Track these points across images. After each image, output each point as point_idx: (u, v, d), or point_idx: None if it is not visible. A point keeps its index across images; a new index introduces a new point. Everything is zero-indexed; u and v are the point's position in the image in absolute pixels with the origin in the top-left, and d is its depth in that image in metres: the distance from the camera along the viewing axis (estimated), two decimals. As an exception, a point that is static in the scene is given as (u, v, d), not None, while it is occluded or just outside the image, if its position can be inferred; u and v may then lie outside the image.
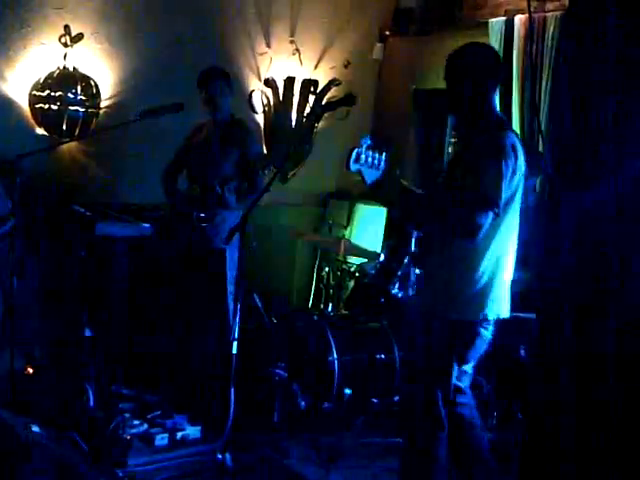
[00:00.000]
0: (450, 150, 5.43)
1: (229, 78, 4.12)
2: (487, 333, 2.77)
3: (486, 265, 2.69)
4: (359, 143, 2.65)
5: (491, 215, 2.59)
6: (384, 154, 2.67)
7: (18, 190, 3.50)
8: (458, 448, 2.84)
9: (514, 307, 3.57)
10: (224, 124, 4.10)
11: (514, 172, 2.64)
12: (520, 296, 3.59)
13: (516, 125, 4.49)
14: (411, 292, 4.20)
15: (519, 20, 4.52)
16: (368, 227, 5.42)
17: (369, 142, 2.66)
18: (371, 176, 2.67)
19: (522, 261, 3.56)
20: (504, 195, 2.61)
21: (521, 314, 3.60)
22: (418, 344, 2.86)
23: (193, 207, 3.97)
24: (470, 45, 2.81)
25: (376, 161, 2.65)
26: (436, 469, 2.79)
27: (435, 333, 2.74)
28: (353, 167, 2.66)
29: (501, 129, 2.74)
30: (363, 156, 2.64)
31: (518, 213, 2.77)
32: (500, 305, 2.77)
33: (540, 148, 4.32)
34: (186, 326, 4.04)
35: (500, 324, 2.92)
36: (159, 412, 3.59)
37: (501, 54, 4.60)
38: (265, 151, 4.78)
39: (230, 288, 3.96)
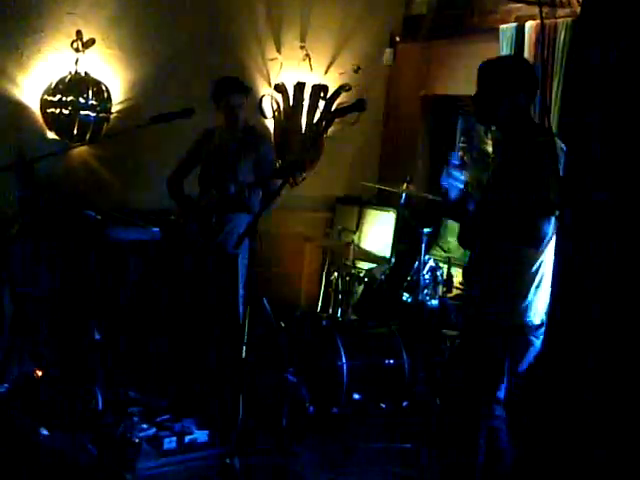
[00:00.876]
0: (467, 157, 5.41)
1: (246, 87, 4.20)
2: (538, 342, 2.73)
3: (539, 270, 2.68)
4: (450, 159, 2.71)
5: (553, 220, 2.58)
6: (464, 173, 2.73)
7: (29, 194, 3.52)
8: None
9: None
10: (239, 131, 4.14)
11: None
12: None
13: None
14: (421, 297, 4.20)
15: (530, 26, 4.51)
16: (377, 232, 5.42)
17: (458, 160, 2.71)
18: (453, 193, 2.73)
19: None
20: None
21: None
22: (468, 352, 2.82)
23: (211, 212, 4.00)
24: (507, 57, 2.83)
25: (459, 179, 2.71)
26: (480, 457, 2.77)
27: (490, 341, 2.70)
28: (444, 182, 2.73)
29: (548, 134, 2.74)
30: (452, 172, 2.70)
31: None
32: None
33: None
34: (197, 330, 4.05)
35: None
36: (167, 416, 3.58)
37: (511, 60, 4.60)
38: (276, 157, 4.78)
39: (241, 292, 3.97)
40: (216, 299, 4.03)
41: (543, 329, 2.71)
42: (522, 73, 2.79)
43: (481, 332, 2.74)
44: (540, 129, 2.81)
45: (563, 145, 2.67)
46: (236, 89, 4.09)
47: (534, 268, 2.67)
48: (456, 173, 2.74)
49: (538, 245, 2.61)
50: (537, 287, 2.68)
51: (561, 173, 2.57)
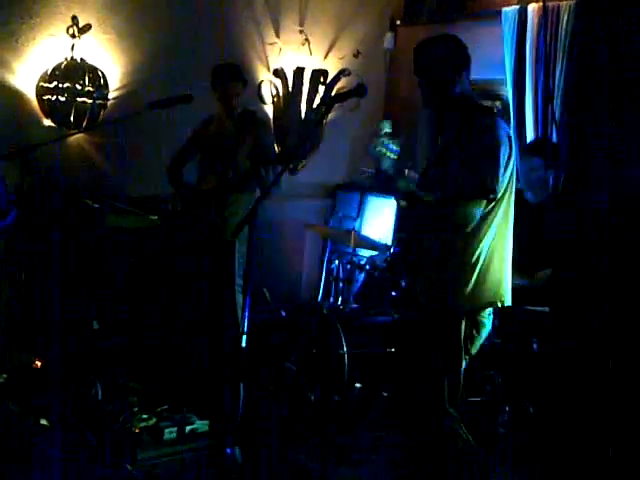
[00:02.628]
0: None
1: (244, 76, 4.15)
2: (488, 323, 2.77)
3: (479, 254, 2.69)
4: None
5: (484, 202, 2.61)
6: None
7: (25, 182, 3.49)
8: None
9: (526, 301, 3.52)
10: (236, 116, 4.11)
11: (509, 160, 2.66)
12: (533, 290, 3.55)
13: (530, 114, 4.44)
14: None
15: (533, 8, 4.47)
16: (378, 219, 5.38)
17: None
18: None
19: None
20: (500, 184, 2.63)
21: (533, 307, 3.57)
22: (416, 337, 2.81)
23: (210, 199, 3.96)
24: (445, 36, 2.87)
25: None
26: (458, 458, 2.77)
27: (437, 325, 2.71)
28: None
29: (491, 116, 2.75)
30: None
31: (512, 202, 2.77)
32: (498, 293, 2.76)
33: (554, 137, 4.27)
34: (194, 319, 4.03)
35: (509, 315, 2.88)
36: (168, 406, 3.57)
37: (514, 43, 4.55)
38: (275, 143, 4.71)
39: (238, 281, 3.94)
40: (212, 287, 4.00)
41: (491, 310, 2.77)
42: (465, 51, 2.80)
43: (435, 320, 2.73)
44: (485, 111, 2.80)
45: (508, 129, 2.73)
46: (232, 77, 4.07)
47: (474, 258, 2.68)
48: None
49: (466, 227, 2.63)
50: (479, 274, 2.68)
51: (506, 157, 2.63)
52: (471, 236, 2.66)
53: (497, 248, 2.73)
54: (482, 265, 2.69)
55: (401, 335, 3.64)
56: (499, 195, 2.65)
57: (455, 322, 2.69)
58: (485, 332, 2.77)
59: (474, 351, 2.77)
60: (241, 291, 3.89)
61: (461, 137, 2.70)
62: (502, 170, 2.62)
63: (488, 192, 2.60)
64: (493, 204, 2.66)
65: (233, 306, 3.93)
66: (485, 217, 2.66)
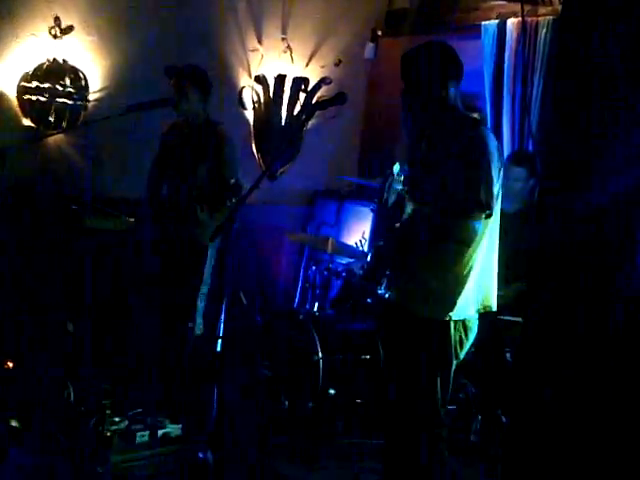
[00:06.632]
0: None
1: (200, 81, 3.93)
2: (475, 326, 2.79)
3: (473, 265, 2.70)
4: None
5: (484, 217, 2.63)
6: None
7: (3, 182, 3.47)
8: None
9: (500, 311, 3.56)
10: (196, 127, 3.94)
11: (499, 172, 2.67)
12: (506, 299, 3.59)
13: (507, 128, 4.50)
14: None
15: (512, 23, 4.53)
16: (356, 226, 5.41)
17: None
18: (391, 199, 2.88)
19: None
20: (495, 198, 2.63)
21: (506, 317, 3.61)
22: (407, 347, 2.82)
23: (178, 219, 3.90)
24: (431, 43, 2.80)
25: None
26: (443, 467, 2.78)
27: (430, 333, 2.71)
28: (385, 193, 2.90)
29: (478, 126, 2.73)
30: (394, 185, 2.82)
31: (499, 211, 2.78)
32: (487, 300, 2.79)
33: (530, 149, 4.33)
34: (160, 323, 3.99)
35: (483, 324, 2.91)
36: (140, 409, 3.55)
37: (493, 57, 4.61)
38: (255, 151, 4.45)
39: (203, 289, 3.92)
40: (176, 291, 3.95)
41: (477, 316, 2.77)
42: (455, 60, 2.75)
43: (420, 327, 2.73)
44: (471, 121, 2.76)
45: (496, 141, 2.70)
46: (179, 75, 3.87)
47: (468, 268, 2.68)
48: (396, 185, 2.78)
49: (470, 244, 2.64)
50: (472, 284, 2.69)
51: (498, 170, 2.64)
52: (467, 247, 2.67)
53: (488, 257, 2.74)
54: (475, 275, 2.69)
55: (385, 342, 3.63)
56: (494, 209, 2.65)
57: (445, 329, 2.69)
58: (473, 336, 2.78)
59: (462, 355, 2.78)
60: (202, 298, 3.89)
61: (449, 149, 2.66)
62: (495, 184, 2.61)
63: (484, 209, 2.60)
64: (489, 217, 2.66)
65: (191, 310, 3.89)
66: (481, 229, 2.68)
